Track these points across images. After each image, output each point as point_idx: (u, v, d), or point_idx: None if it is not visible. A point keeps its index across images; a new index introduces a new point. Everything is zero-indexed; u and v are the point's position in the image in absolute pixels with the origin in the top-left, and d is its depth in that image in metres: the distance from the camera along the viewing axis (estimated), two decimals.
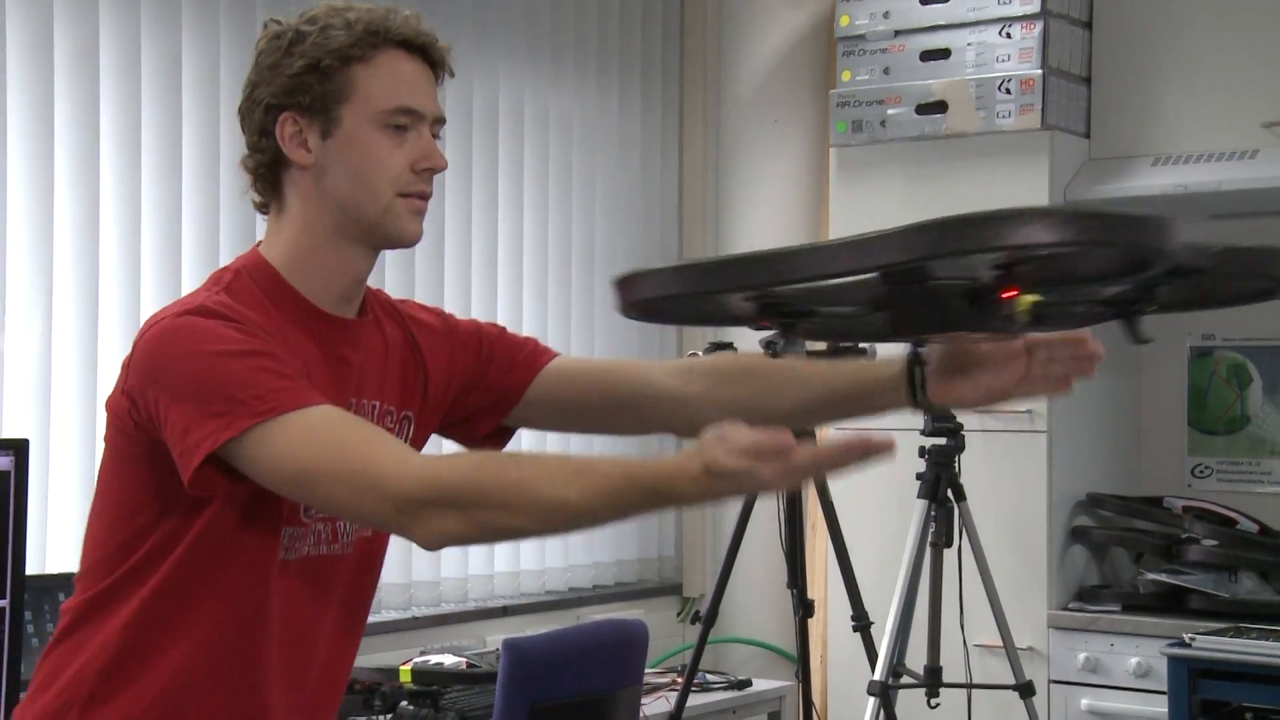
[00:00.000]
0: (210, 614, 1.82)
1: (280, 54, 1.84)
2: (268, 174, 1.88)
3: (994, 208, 2.37)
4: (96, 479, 1.90)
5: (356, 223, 1.87)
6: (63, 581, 3.31)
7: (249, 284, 1.86)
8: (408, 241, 1.91)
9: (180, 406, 1.72)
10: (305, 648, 1.90)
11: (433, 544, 1.72)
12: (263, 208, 1.92)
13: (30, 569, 3.02)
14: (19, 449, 2.87)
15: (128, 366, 1.80)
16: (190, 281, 3.63)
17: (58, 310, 3.48)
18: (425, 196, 1.89)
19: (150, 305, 3.56)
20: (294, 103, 1.83)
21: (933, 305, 2.51)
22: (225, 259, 3.08)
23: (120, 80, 3.59)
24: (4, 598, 2.82)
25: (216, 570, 1.81)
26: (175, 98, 3.68)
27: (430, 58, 1.89)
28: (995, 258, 2.25)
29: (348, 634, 1.97)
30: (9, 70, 3.39)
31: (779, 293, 2.59)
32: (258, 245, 1.92)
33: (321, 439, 1.70)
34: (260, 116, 1.86)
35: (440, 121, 1.90)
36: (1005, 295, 2.35)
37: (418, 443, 1.99)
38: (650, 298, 2.91)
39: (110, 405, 1.84)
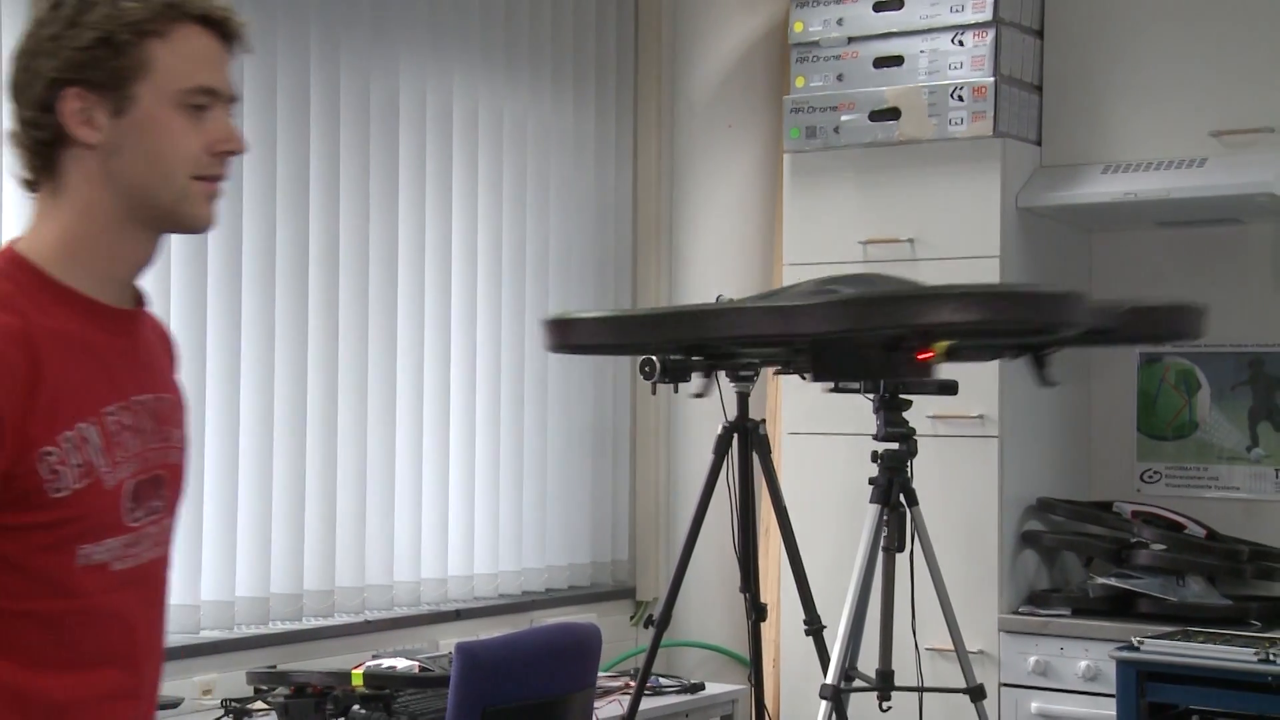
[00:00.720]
0: None
1: (64, 24, 1.70)
2: (44, 151, 1.73)
3: (914, 286, 2.50)
4: None
5: (147, 206, 1.75)
6: None
7: (8, 286, 1.70)
8: (201, 227, 1.80)
9: None
10: None
11: None
12: (32, 186, 1.77)
13: None
14: None
15: None
16: None
17: None
18: (220, 179, 1.78)
19: None
20: (81, 78, 1.69)
21: (852, 355, 2.66)
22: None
23: None
24: None
25: None
26: None
27: (227, 32, 1.78)
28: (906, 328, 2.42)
29: None
30: None
31: (707, 339, 2.72)
32: (12, 243, 1.76)
33: None
34: (41, 91, 1.70)
35: (234, 100, 1.80)
36: (921, 356, 2.55)
37: None
38: (579, 344, 3.09)
39: None
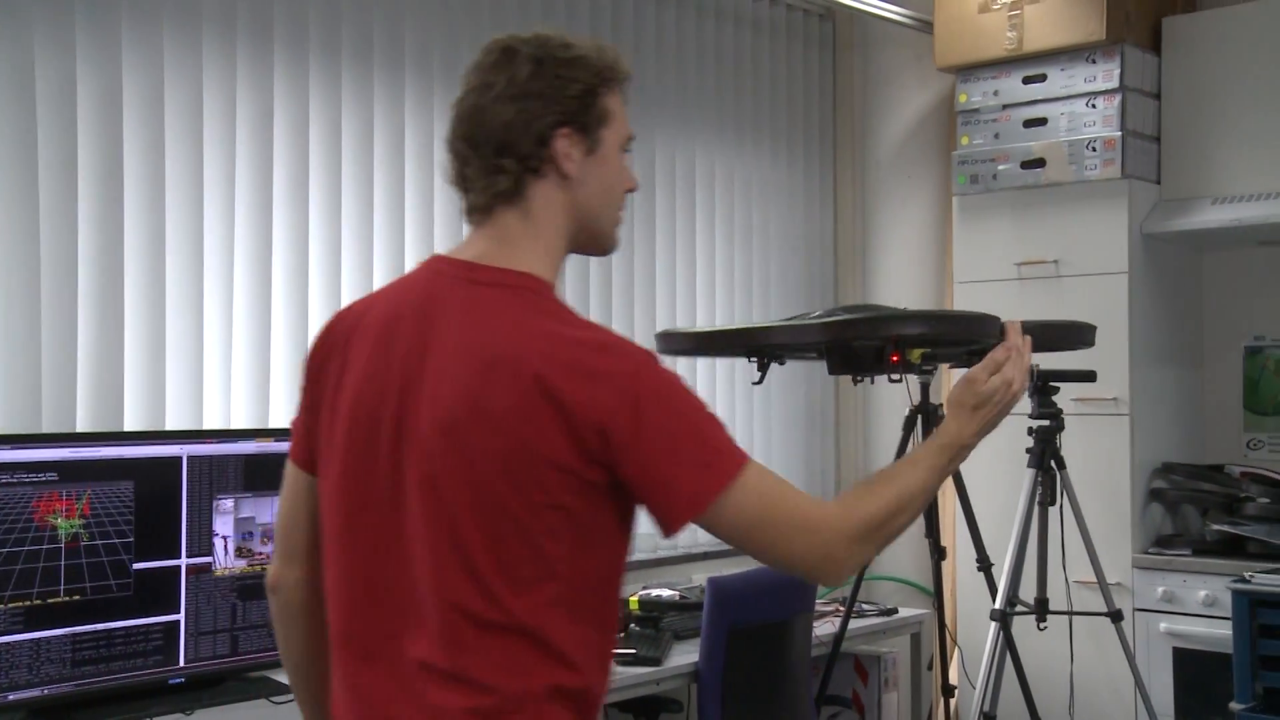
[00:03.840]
0: None
1: (549, 79, 1.56)
2: (520, 182, 1.58)
3: (886, 310, 3.00)
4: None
5: (588, 231, 1.63)
6: None
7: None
8: (614, 249, 1.69)
9: None
10: None
11: (845, 577, 1.56)
12: (483, 212, 1.60)
13: None
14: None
15: None
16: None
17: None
18: None
19: None
20: (573, 121, 1.58)
21: (853, 358, 3.01)
22: None
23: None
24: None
25: None
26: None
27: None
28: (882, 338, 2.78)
29: None
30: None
31: (761, 345, 3.13)
32: (515, 264, 1.57)
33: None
34: (539, 130, 1.56)
35: None
36: (893, 358, 2.88)
37: None
38: (677, 350, 3.50)
39: None
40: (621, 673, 3.31)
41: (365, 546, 1.55)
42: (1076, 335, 3.49)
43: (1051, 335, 3.44)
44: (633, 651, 3.41)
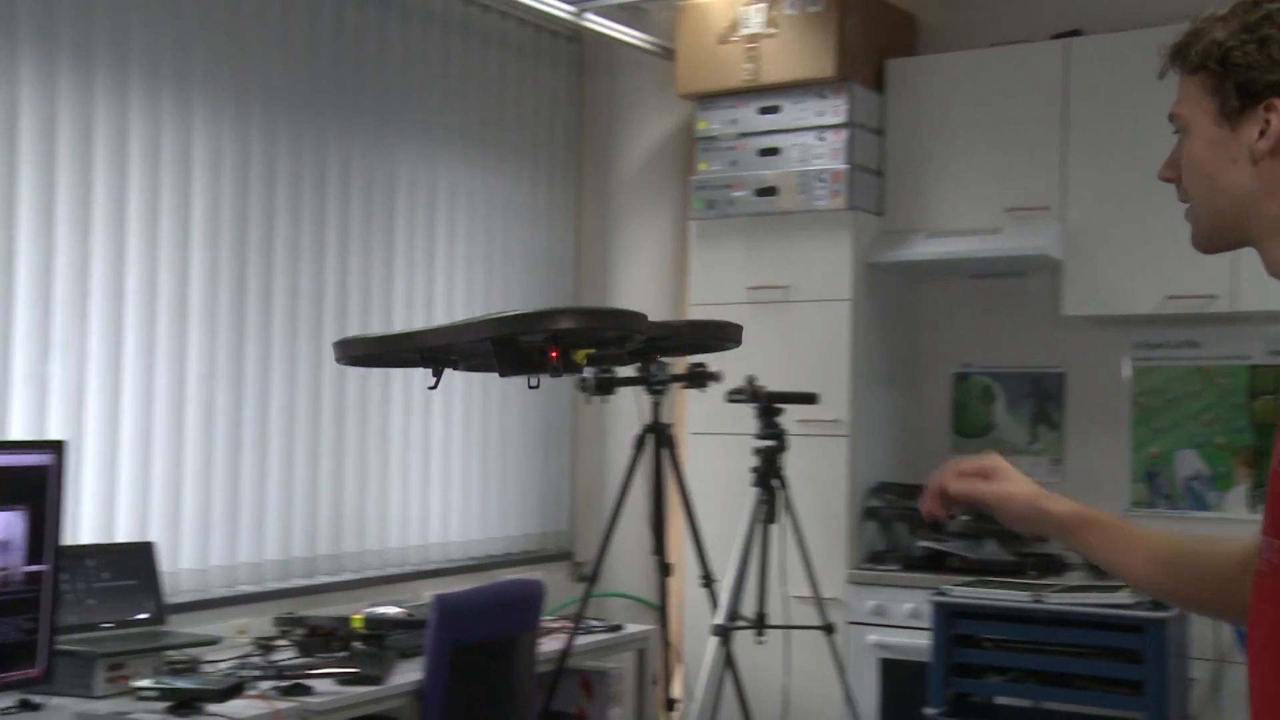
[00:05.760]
0: None
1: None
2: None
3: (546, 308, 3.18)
4: None
5: None
6: (93, 550, 3.31)
7: None
8: None
9: None
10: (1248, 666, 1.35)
11: None
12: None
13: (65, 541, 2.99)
14: (59, 448, 2.84)
15: None
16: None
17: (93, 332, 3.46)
18: None
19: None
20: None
21: (522, 357, 3.07)
22: None
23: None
24: (48, 563, 2.80)
25: None
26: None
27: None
28: (543, 333, 2.84)
29: (1266, 665, 1.30)
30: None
31: (432, 348, 3.14)
32: None
33: None
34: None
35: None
36: (553, 354, 2.98)
37: None
38: (357, 355, 3.45)
39: None
40: (341, 692, 3.22)
41: None
42: (727, 334, 3.64)
43: (707, 334, 3.63)
44: (354, 670, 3.32)
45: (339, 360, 3.34)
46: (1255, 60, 1.33)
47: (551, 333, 2.84)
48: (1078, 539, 1.54)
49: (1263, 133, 1.33)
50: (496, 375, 3.04)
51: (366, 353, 3.30)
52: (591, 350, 2.91)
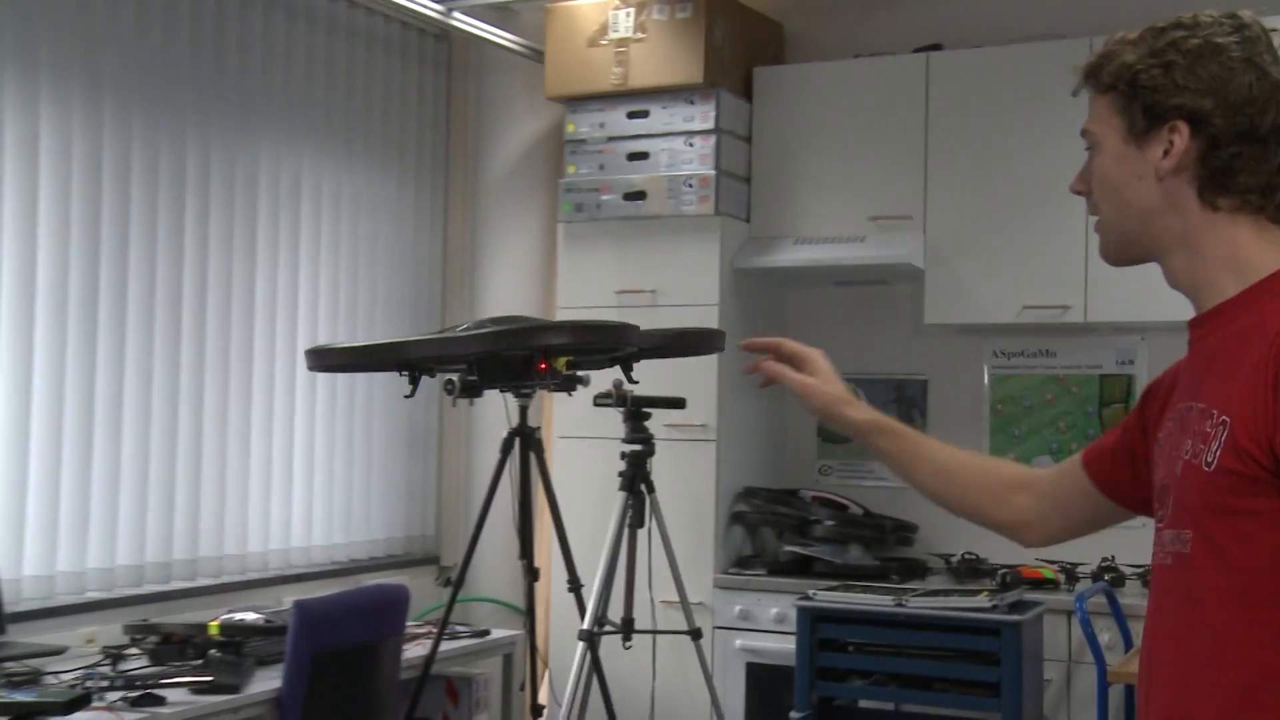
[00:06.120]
0: None
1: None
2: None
3: (535, 321, 3.09)
4: None
5: None
6: None
7: None
8: None
9: None
10: (1145, 656, 1.45)
11: None
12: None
13: None
14: None
15: None
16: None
17: None
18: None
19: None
20: None
21: (505, 367, 3.12)
22: None
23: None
24: None
25: None
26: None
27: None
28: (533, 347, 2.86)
29: (1168, 652, 1.39)
30: None
31: (413, 358, 3.18)
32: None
33: None
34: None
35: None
36: (541, 366, 3.04)
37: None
38: (331, 365, 3.51)
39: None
40: (195, 702, 3.16)
41: None
42: (712, 341, 3.75)
43: (692, 341, 3.70)
44: (210, 679, 3.23)
45: (311, 368, 3.43)
46: (1161, 84, 1.41)
47: (541, 347, 2.90)
48: (871, 443, 1.78)
49: (1167, 152, 1.41)
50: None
51: (343, 363, 3.38)
52: (571, 358, 2.97)
